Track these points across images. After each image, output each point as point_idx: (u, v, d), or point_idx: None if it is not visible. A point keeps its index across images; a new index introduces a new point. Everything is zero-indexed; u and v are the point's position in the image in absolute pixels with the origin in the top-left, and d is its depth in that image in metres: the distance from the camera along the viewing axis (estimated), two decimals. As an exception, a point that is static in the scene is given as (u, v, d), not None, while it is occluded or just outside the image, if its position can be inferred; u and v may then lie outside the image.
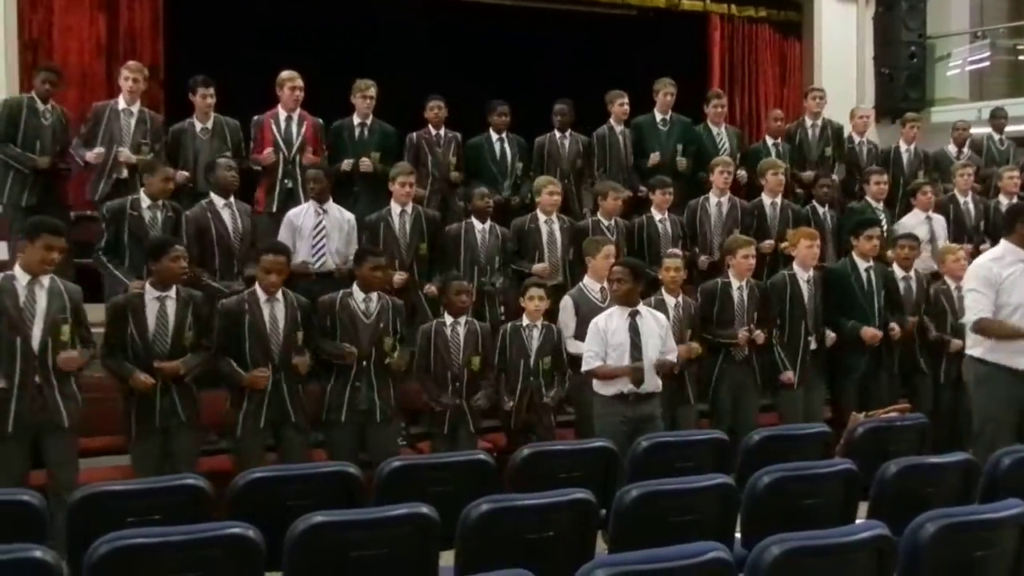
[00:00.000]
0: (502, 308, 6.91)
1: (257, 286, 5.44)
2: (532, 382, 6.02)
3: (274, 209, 6.98)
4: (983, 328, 5.28)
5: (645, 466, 4.41)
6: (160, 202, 6.10)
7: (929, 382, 6.86)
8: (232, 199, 6.33)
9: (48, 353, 4.88)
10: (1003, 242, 5.43)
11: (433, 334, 5.88)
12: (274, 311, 5.41)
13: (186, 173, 6.80)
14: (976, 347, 5.37)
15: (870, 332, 6.53)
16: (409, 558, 3.32)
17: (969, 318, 5.36)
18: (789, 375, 6.44)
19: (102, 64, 8.18)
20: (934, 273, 7.27)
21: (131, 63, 7.09)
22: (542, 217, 7.03)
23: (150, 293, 5.19)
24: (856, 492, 4.11)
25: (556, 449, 4.61)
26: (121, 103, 6.83)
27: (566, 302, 6.27)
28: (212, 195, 6.30)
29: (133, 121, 6.82)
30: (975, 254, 7.74)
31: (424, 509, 3.34)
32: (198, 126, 6.97)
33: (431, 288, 6.66)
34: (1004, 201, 8.12)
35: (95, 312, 5.44)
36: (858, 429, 4.87)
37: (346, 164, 7.24)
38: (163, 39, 8.39)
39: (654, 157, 8.00)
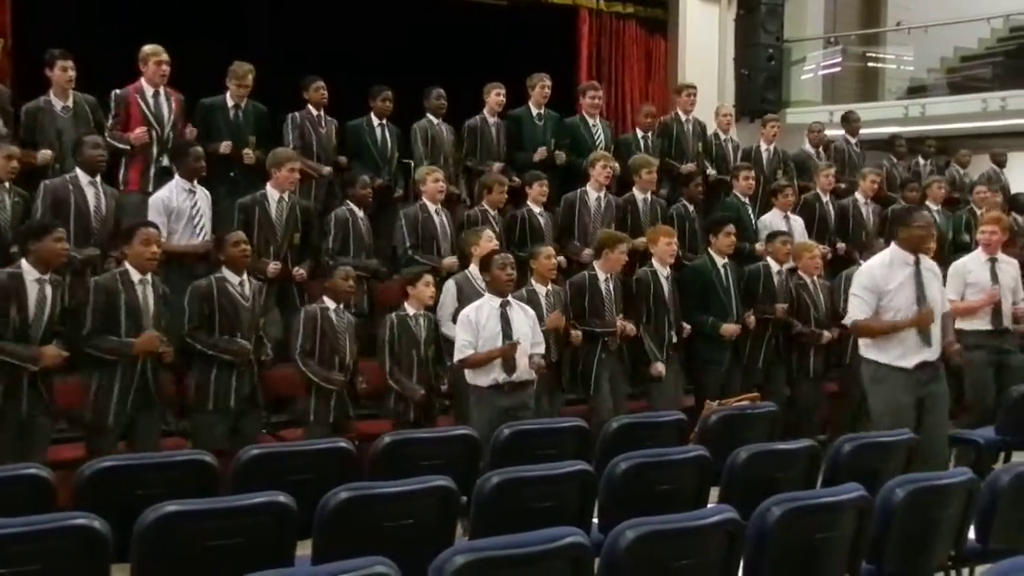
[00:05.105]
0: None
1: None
2: (424, 371, 5.93)
3: (150, 188, 6.65)
4: (858, 330, 5.47)
5: (507, 453, 4.44)
6: (6, 184, 5.77)
7: (784, 373, 7.09)
8: (98, 179, 6.05)
9: None
10: (892, 246, 5.54)
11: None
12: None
13: (50, 153, 6.40)
14: (868, 349, 5.51)
15: (730, 329, 6.76)
16: (265, 547, 3.25)
17: (848, 321, 5.55)
18: (659, 367, 6.59)
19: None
20: (790, 269, 7.54)
21: None
22: (431, 207, 6.93)
23: (30, 275, 4.91)
24: (709, 477, 4.24)
25: (418, 437, 4.60)
26: None
27: (449, 286, 6.24)
28: (77, 171, 5.98)
29: None
30: (833, 253, 8.16)
31: (281, 498, 3.29)
32: (57, 104, 6.53)
33: (301, 271, 6.52)
34: (861, 200, 8.49)
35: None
36: (711, 417, 5.04)
37: (224, 147, 6.97)
38: (11, 9, 7.93)
39: (541, 151, 8.06)
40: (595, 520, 3.99)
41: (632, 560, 2.95)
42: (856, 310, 5.43)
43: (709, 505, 4.05)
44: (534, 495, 3.74)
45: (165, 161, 6.73)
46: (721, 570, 3.20)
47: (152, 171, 6.74)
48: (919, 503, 3.70)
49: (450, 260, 6.81)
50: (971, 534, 4.01)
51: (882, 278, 5.39)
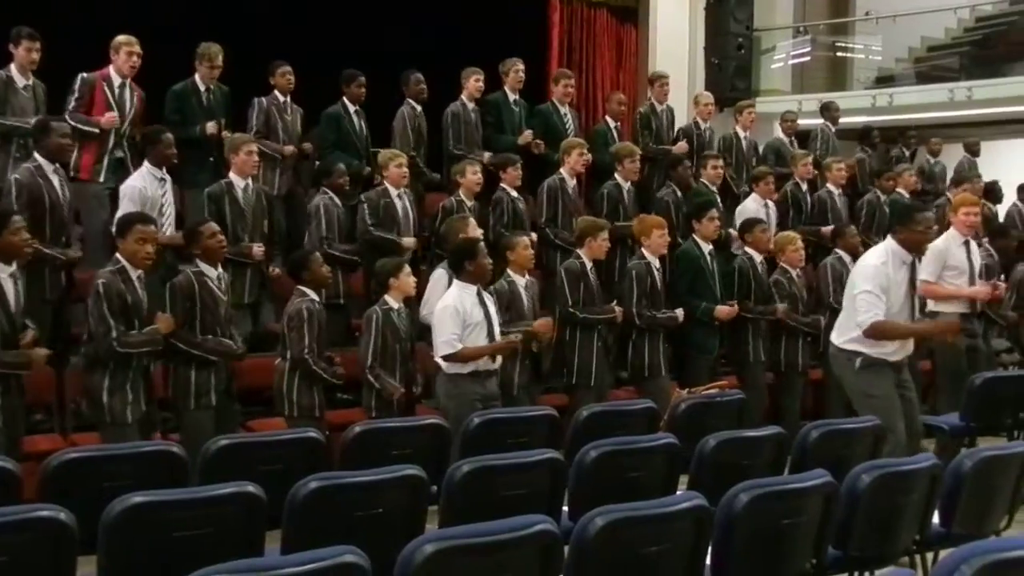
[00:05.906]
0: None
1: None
2: (409, 366, 5.73)
3: (100, 179, 6.55)
4: (880, 330, 5.24)
5: (478, 442, 4.45)
6: None
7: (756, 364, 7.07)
8: (58, 165, 5.90)
9: None
10: (889, 242, 5.35)
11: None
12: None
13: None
14: (852, 342, 5.36)
15: (724, 310, 6.75)
16: (234, 538, 3.24)
17: (863, 319, 5.24)
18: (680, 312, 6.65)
19: None
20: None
21: None
22: (393, 191, 6.85)
23: (2, 271, 4.72)
24: (678, 465, 4.28)
25: (388, 426, 4.59)
26: None
27: (440, 276, 6.12)
28: (39, 159, 5.77)
29: None
30: (806, 241, 8.17)
31: (250, 488, 3.28)
32: (20, 81, 6.43)
33: (277, 271, 6.50)
34: (834, 190, 8.52)
35: None
36: (681, 405, 5.07)
37: (211, 127, 6.90)
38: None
39: (527, 135, 8.06)
40: (565, 508, 4.01)
41: (601, 547, 2.97)
42: (874, 309, 5.20)
43: (678, 492, 4.08)
44: (505, 483, 3.75)
45: (119, 153, 6.63)
46: (690, 556, 3.22)
47: (105, 161, 6.60)
48: (884, 488, 3.75)
49: (409, 240, 6.80)
50: (935, 519, 4.06)
51: (888, 278, 5.26)
